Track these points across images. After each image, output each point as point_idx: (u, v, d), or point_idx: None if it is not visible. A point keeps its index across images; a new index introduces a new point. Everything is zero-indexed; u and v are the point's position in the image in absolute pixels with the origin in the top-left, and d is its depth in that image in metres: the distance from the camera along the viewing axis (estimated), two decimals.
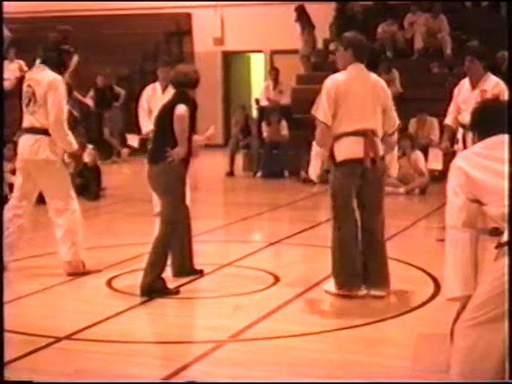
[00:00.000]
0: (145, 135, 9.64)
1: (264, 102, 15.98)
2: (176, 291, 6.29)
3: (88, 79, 16.72)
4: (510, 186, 3.33)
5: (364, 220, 6.15)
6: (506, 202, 3.32)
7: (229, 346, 5.13)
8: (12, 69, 17.73)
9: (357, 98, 6.01)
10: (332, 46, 17.23)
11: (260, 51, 19.94)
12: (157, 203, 9.62)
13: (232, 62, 20.48)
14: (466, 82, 8.55)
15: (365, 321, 5.52)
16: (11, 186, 11.22)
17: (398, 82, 15.11)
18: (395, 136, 6.33)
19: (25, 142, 6.99)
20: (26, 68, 17.80)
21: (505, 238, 3.31)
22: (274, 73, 16.19)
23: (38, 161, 6.85)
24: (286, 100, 15.91)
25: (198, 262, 6.91)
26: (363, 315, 5.67)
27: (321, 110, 6.01)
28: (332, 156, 6.05)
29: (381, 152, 6.10)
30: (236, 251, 8.01)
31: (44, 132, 6.85)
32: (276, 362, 4.76)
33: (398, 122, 6.29)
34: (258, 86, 18.47)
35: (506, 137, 3.49)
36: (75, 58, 14.98)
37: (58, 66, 6.97)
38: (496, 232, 3.51)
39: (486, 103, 4.08)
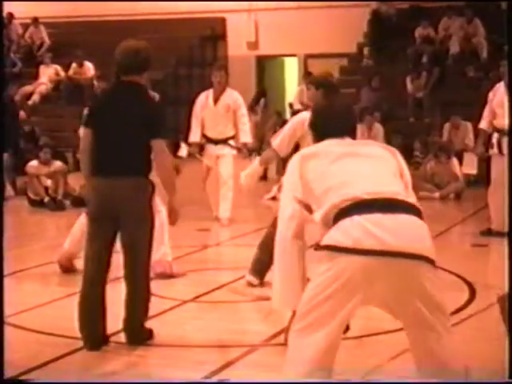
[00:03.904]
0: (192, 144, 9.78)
1: (298, 106, 15.96)
2: None
3: None
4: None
5: None
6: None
7: (262, 350, 5.12)
8: (48, 73, 17.91)
9: None
10: (365, 51, 17.22)
11: (294, 55, 19.93)
12: (215, 207, 9.71)
13: (266, 66, 20.49)
14: (501, 86, 8.48)
15: (394, 327, 5.46)
16: (46, 189, 11.39)
17: (424, 86, 15.16)
18: None
19: None
20: (62, 73, 18.00)
21: (323, 241, 3.32)
22: (307, 77, 16.16)
23: None
24: None
25: (232, 267, 6.87)
26: (392, 321, 5.62)
27: (279, 139, 6.32)
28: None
29: None
30: None
31: None
32: None
33: None
34: (292, 90, 18.46)
35: None
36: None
37: None
38: None
39: None
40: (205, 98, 9.65)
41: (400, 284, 3.30)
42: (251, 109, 15.90)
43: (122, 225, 4.99)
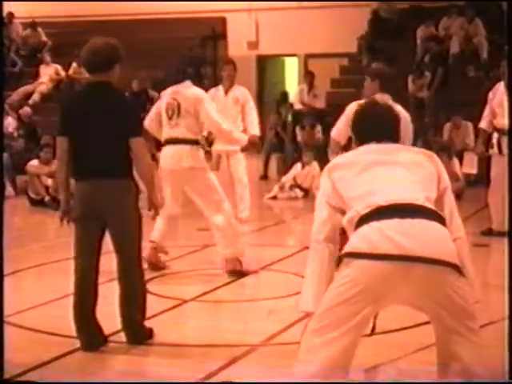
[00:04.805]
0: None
1: (298, 106, 15.97)
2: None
3: (124, 83, 16.81)
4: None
5: None
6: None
7: (263, 349, 5.12)
8: (48, 73, 17.90)
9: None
10: (366, 51, 17.20)
11: (294, 55, 19.93)
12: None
13: (266, 66, 20.49)
14: (501, 86, 8.48)
15: (398, 326, 5.49)
16: (47, 189, 11.39)
17: (428, 86, 15.17)
18: None
19: (167, 153, 7.11)
20: (62, 72, 18.00)
21: (344, 250, 3.35)
22: (309, 76, 16.19)
23: (182, 170, 6.94)
24: (320, 104, 15.90)
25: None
26: (396, 320, 5.63)
27: (335, 130, 6.72)
28: None
29: None
30: (270, 255, 8.00)
31: (186, 142, 6.99)
32: None
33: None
34: (293, 89, 18.44)
35: None
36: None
37: (199, 80, 7.23)
38: None
39: None
40: (214, 92, 9.74)
41: (419, 289, 3.28)
42: (276, 111, 16.00)
43: (109, 227, 5.02)
